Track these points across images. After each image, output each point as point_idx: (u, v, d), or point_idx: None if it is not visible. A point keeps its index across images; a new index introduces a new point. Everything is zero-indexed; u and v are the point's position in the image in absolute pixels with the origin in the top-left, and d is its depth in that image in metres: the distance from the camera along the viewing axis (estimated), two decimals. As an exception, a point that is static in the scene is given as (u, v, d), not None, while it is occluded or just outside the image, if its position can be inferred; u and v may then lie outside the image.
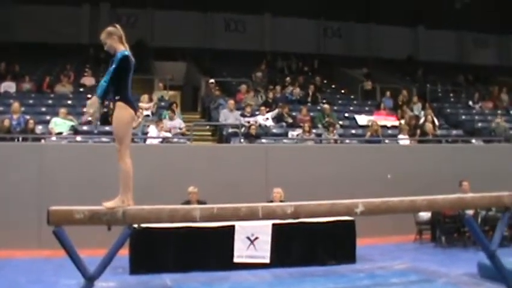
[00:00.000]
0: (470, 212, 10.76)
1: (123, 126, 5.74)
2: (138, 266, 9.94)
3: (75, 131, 14.79)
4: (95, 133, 14.96)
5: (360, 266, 10.61)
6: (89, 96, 17.61)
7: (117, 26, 5.95)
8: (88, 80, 19.20)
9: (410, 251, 12.40)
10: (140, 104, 16.01)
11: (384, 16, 26.98)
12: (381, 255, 11.63)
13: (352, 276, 9.67)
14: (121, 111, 5.69)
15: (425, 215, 13.20)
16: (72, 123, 14.90)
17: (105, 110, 15.53)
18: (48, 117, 15.27)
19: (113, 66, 5.71)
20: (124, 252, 8.54)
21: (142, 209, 5.88)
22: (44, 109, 16.58)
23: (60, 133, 14.49)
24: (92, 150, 13.46)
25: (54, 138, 14.33)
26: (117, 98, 5.71)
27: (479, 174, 13.68)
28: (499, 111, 20.31)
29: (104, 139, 14.39)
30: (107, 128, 14.99)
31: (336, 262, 10.65)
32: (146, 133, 14.85)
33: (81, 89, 18.79)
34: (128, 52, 5.80)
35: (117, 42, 5.83)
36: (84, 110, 5.03)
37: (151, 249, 10.07)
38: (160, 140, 14.63)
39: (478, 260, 9.22)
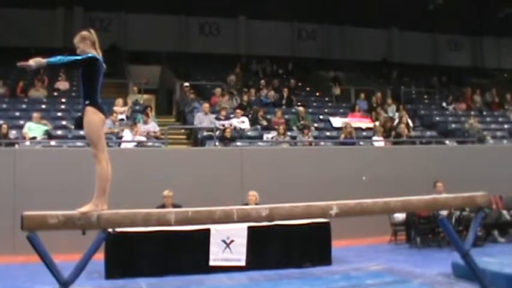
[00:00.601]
0: (444, 212, 10.86)
1: (95, 131, 5.69)
2: (113, 270, 9.88)
3: (49, 135, 14.68)
4: (69, 137, 14.88)
5: (335, 267, 10.64)
6: (63, 100, 17.56)
7: (92, 31, 5.91)
8: (62, 85, 19.05)
9: (385, 252, 12.48)
10: (115, 108, 15.95)
11: (358, 18, 27.11)
12: (356, 257, 11.69)
13: (328, 278, 9.70)
14: (91, 116, 5.64)
15: (400, 216, 13.29)
16: (46, 128, 14.78)
17: (79, 114, 15.46)
18: (22, 122, 15.15)
19: (79, 57, 5.70)
20: (99, 257, 8.50)
21: (117, 213, 5.86)
22: (17, 114, 16.43)
23: (34, 138, 14.37)
24: (66, 155, 13.37)
25: (28, 143, 14.21)
26: (86, 102, 5.67)
27: (453, 175, 13.83)
28: (472, 113, 20.56)
29: (78, 143, 14.31)
30: (81, 133, 14.89)
31: (312, 264, 10.68)
32: (121, 137, 14.78)
33: (56, 94, 18.64)
34: (98, 56, 5.76)
35: (89, 47, 5.78)
36: (29, 61, 4.89)
37: (127, 253, 10.03)
38: (135, 143, 14.57)
39: (452, 260, 9.30)
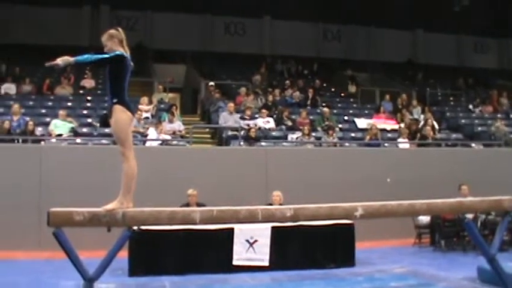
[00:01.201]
0: (469, 216, 10.77)
1: (123, 129, 5.75)
2: (137, 268, 9.95)
3: (75, 133, 14.81)
4: (94, 135, 14.98)
5: (359, 269, 10.60)
6: (89, 98, 17.69)
7: (120, 29, 5.97)
8: (88, 83, 19.21)
9: (409, 255, 12.40)
10: (140, 106, 16.02)
11: (383, 19, 26.98)
12: (380, 259, 11.63)
13: (351, 279, 9.67)
14: (119, 114, 5.70)
15: (424, 219, 13.21)
16: (72, 125, 14.90)
17: (105, 112, 15.56)
18: (48, 119, 15.28)
19: (107, 55, 5.75)
20: (123, 254, 8.54)
21: (142, 211, 5.89)
22: (44, 111, 16.58)
23: (60, 135, 14.49)
24: (91, 152, 13.48)
25: (54, 140, 14.34)
26: (114, 101, 5.72)
27: (479, 178, 13.70)
28: (499, 115, 20.32)
29: (103, 141, 14.40)
30: (107, 130, 14.99)
31: (335, 265, 10.64)
32: (146, 135, 14.85)
33: (81, 91, 18.79)
34: (126, 54, 5.81)
35: (117, 45, 5.84)
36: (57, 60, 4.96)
37: (151, 251, 10.08)
38: (159, 142, 14.63)
39: (477, 264, 9.20)
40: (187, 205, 10.94)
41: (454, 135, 18.35)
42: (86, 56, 5.61)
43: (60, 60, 5.50)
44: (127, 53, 5.87)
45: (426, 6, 26.48)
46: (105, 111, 15.21)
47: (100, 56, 5.69)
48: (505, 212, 7.39)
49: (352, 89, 22.33)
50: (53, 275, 9.85)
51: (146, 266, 9.97)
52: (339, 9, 26.44)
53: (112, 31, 5.92)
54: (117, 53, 5.75)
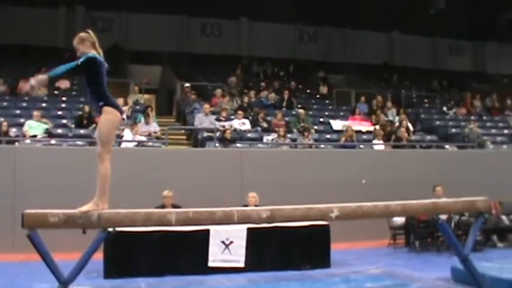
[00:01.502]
0: (443, 216, 10.87)
1: (109, 130, 5.72)
2: (112, 270, 9.88)
3: (49, 134, 14.68)
4: (69, 136, 14.89)
5: (334, 270, 10.63)
6: (64, 99, 17.54)
7: (90, 31, 5.87)
8: (63, 83, 18.87)
9: (384, 256, 12.48)
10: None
11: (359, 21, 27.10)
12: (355, 260, 11.68)
13: (327, 280, 9.70)
14: (109, 115, 5.66)
15: (399, 220, 13.31)
16: (46, 126, 14.78)
17: (80, 113, 15.47)
18: (22, 120, 15.16)
19: (78, 62, 5.64)
20: (98, 256, 8.49)
21: (118, 212, 5.86)
22: (18, 112, 16.43)
23: (35, 136, 14.37)
24: (66, 154, 13.39)
25: (28, 141, 14.22)
26: (100, 104, 5.68)
27: (453, 179, 13.82)
28: (472, 117, 20.53)
29: (78, 142, 14.33)
30: (82, 131, 14.93)
31: (311, 267, 10.66)
32: (121, 137, 14.77)
33: (56, 92, 18.61)
34: (97, 56, 5.73)
35: (89, 48, 5.75)
36: (30, 81, 4.88)
37: (126, 253, 10.03)
38: (135, 143, 14.56)
39: (451, 265, 9.29)
40: (163, 207, 10.89)
41: (428, 137, 18.52)
42: (58, 68, 5.52)
43: (33, 81, 5.43)
44: (100, 55, 5.78)
45: (402, 8, 26.65)
46: (80, 112, 15.16)
47: (72, 64, 5.58)
48: (479, 212, 7.47)
49: (324, 90, 22.40)
50: (27, 277, 9.76)
51: (121, 268, 9.91)
52: (315, 10, 26.51)
53: (83, 34, 5.83)
54: (89, 55, 5.66)
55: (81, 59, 5.64)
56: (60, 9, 24.58)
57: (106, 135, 5.68)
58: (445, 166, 15.09)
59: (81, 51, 5.74)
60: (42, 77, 5.45)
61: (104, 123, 5.67)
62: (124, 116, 6.06)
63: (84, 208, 5.61)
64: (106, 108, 5.66)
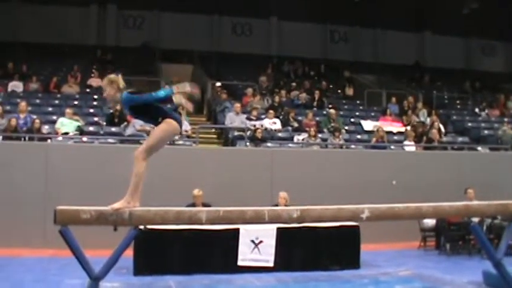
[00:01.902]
0: (475, 219, 10.74)
1: (163, 138, 5.98)
2: (142, 267, 9.97)
3: (81, 131, 14.81)
4: (101, 134, 14.99)
5: (364, 271, 10.60)
6: (95, 97, 17.69)
7: (119, 75, 5.96)
8: (95, 81, 19.22)
9: (414, 258, 12.40)
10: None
11: (390, 21, 26.94)
12: (385, 262, 11.63)
13: (356, 282, 9.67)
14: (169, 126, 5.85)
15: (430, 222, 13.20)
16: (78, 124, 14.91)
17: (111, 111, 15.59)
18: (54, 117, 15.30)
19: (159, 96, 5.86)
20: (128, 253, 8.55)
21: (149, 210, 5.89)
22: (50, 109, 16.61)
23: (67, 133, 14.51)
24: (97, 151, 13.52)
25: (60, 138, 14.35)
26: (159, 120, 5.86)
27: (485, 181, 13.67)
28: (506, 119, 20.25)
29: (110, 140, 14.42)
30: (113, 129, 15.03)
31: (340, 267, 10.64)
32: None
33: (88, 90, 18.83)
34: (126, 93, 5.84)
35: (116, 91, 5.87)
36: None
37: (156, 250, 10.09)
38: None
39: (483, 268, 9.19)
40: (193, 205, 10.94)
41: (460, 139, 18.31)
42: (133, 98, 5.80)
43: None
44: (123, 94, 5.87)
45: (434, 8, 26.43)
46: (111, 110, 15.27)
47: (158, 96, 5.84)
48: (512, 216, 7.38)
49: (350, 91, 22.24)
50: (58, 272, 9.89)
51: (151, 266, 9.99)
52: (346, 10, 26.42)
53: (112, 76, 5.92)
54: (124, 97, 5.82)
55: (127, 104, 5.84)
56: (91, 8, 24.80)
57: (157, 142, 5.90)
58: (477, 168, 14.92)
59: (108, 93, 5.90)
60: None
61: (161, 130, 5.87)
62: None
63: (116, 205, 5.66)
64: (167, 120, 5.84)
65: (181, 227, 8.98)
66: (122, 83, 5.87)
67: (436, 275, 10.14)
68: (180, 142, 14.98)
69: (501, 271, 7.11)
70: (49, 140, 14.20)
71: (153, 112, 5.88)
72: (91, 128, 15.28)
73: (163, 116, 5.84)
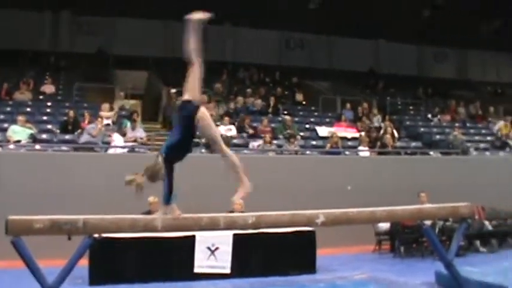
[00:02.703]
0: (428, 222, 10.93)
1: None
2: (98, 276, 9.85)
3: (34, 139, 14.58)
4: (54, 141, 14.79)
5: (320, 276, 10.68)
6: (49, 104, 17.44)
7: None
8: (48, 88, 18.95)
9: (369, 261, 12.53)
10: (101, 113, 15.89)
11: (345, 28, 27.19)
12: (341, 266, 11.72)
13: (313, 286, 9.74)
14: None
15: (384, 226, 13.37)
16: (31, 131, 14.67)
17: (65, 118, 15.41)
18: (6, 125, 15.02)
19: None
20: (84, 263, 8.46)
21: (103, 218, 5.85)
22: (2, 116, 16.26)
23: (19, 141, 14.26)
24: (51, 159, 13.30)
25: (12, 146, 14.10)
26: None
27: (437, 185, 13.91)
28: (457, 124, 20.68)
29: (63, 147, 14.23)
30: (67, 137, 14.86)
31: (297, 272, 10.69)
32: (108, 142, 14.72)
33: (41, 97, 18.53)
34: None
35: None
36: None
37: (112, 259, 10.00)
38: (123, 149, 14.51)
39: (435, 270, 9.38)
40: (149, 213, 10.84)
41: (413, 144, 18.61)
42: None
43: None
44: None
45: (388, 16, 26.78)
46: (65, 118, 15.08)
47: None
48: (462, 218, 7.55)
49: (300, 97, 22.41)
50: (10, 284, 9.70)
51: (107, 275, 9.88)
52: (302, 17, 26.56)
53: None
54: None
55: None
56: (45, 13, 24.35)
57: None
58: (430, 172, 15.19)
59: None
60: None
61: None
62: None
63: (238, 196, 6.29)
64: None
65: (137, 235, 8.95)
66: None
67: (390, 277, 10.28)
68: (136, 149, 14.86)
69: (452, 271, 7.27)
70: (0, 149, 13.94)
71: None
72: (44, 136, 15.06)
73: None
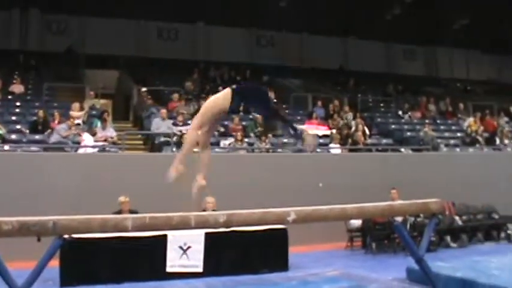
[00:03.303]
0: (399, 218, 11.02)
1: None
2: (69, 278, 9.76)
3: (3, 139, 14.40)
4: (24, 141, 14.63)
5: (292, 273, 10.71)
6: (18, 104, 17.23)
7: None
8: (17, 88, 18.71)
9: (341, 258, 12.60)
10: (71, 113, 15.75)
11: (316, 26, 27.30)
12: (313, 263, 11.76)
13: (285, 284, 9.75)
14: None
15: (356, 223, 13.44)
16: (0, 132, 14.50)
17: (35, 118, 15.26)
18: (-26, 126, 14.83)
19: None
20: (55, 264, 8.38)
21: (73, 219, 5.79)
22: (-30, 117, 16.10)
23: (-12, 142, 14.10)
24: (20, 159, 13.15)
25: (-20, 147, 13.93)
26: None
27: (408, 181, 14.04)
28: (427, 121, 20.89)
29: (33, 148, 14.07)
30: (37, 137, 14.72)
31: (269, 270, 10.72)
32: (78, 142, 14.59)
33: (10, 97, 18.28)
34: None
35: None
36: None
37: (83, 260, 9.92)
38: (94, 148, 14.40)
39: (407, 265, 9.46)
40: (120, 212, 10.81)
41: (384, 141, 18.75)
42: None
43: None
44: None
45: (358, 14, 26.94)
46: (34, 118, 14.92)
47: None
48: (432, 214, 7.61)
49: (271, 95, 22.40)
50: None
51: (78, 276, 9.79)
52: (272, 15, 26.60)
53: None
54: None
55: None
56: (13, 12, 24.05)
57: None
58: (401, 169, 15.31)
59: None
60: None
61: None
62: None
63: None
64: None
65: (108, 235, 8.87)
66: None
67: (362, 273, 10.34)
68: (107, 149, 14.76)
69: (423, 267, 7.33)
70: (-31, 149, 13.77)
71: None
72: (13, 136, 14.88)
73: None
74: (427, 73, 30.80)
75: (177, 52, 25.83)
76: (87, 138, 14.47)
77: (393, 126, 20.56)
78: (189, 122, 16.36)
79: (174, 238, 10.32)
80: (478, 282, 8.07)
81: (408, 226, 12.83)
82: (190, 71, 22.72)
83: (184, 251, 10.40)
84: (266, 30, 28.12)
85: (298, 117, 19.79)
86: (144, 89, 19.35)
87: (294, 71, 26.30)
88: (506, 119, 22.99)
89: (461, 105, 23.07)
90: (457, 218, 14.29)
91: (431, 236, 7.98)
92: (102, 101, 21.00)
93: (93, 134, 14.63)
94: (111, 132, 15.39)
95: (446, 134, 20.49)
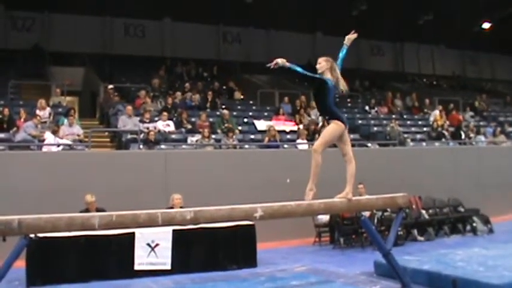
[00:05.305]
0: (366, 213, 11.11)
1: (333, 135, 7.44)
2: (35, 278, 9.65)
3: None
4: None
5: (260, 269, 10.73)
6: None
7: (330, 59, 7.46)
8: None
9: (310, 254, 12.66)
10: (37, 111, 15.57)
11: (283, 22, 27.37)
12: (281, 259, 11.80)
13: (253, 280, 9.75)
14: (336, 125, 7.32)
15: (324, 218, 13.51)
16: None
17: (0, 116, 15.05)
18: None
19: (316, 75, 7.24)
20: (21, 264, 8.30)
21: (39, 218, 5.73)
22: None
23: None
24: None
25: None
26: (327, 117, 7.36)
27: (376, 176, 14.11)
28: (394, 116, 21.11)
29: (-1, 147, 13.89)
30: (2, 135, 14.52)
31: (237, 267, 10.75)
32: (42, 140, 14.42)
33: (-26, 95, 18.04)
34: (330, 81, 7.21)
35: (328, 70, 7.28)
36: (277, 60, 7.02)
37: (50, 260, 9.82)
38: (58, 147, 14.25)
39: (374, 259, 9.55)
40: (87, 211, 10.73)
41: (351, 136, 18.73)
42: (298, 67, 7.13)
43: (279, 60, 7.08)
44: (333, 79, 7.30)
45: (325, 10, 27.06)
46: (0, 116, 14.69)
47: (309, 74, 7.19)
48: (399, 208, 7.71)
49: (238, 95, 22.42)
50: None
51: (45, 276, 9.69)
52: (239, 11, 26.61)
53: (330, 59, 7.44)
54: (326, 79, 7.20)
55: (319, 76, 7.21)
56: (-23, 8, 23.78)
57: (329, 138, 7.41)
58: (368, 164, 15.35)
59: (322, 65, 7.31)
60: (285, 62, 7.11)
61: (332, 129, 7.33)
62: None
63: (341, 195, 7.41)
64: (333, 121, 7.26)
65: (74, 234, 8.81)
66: (332, 66, 7.36)
67: (330, 268, 10.39)
68: (73, 146, 14.63)
69: (390, 260, 7.42)
70: None
71: (324, 106, 7.33)
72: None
73: (330, 116, 7.29)
74: (394, 68, 31.10)
75: (144, 49, 25.71)
76: (49, 137, 14.26)
77: (360, 122, 20.69)
78: (156, 119, 16.35)
79: (142, 236, 10.28)
80: (444, 274, 8.18)
81: (375, 221, 12.96)
82: (157, 67, 22.65)
83: (152, 249, 10.36)
84: (233, 27, 28.12)
85: (265, 114, 19.84)
86: (110, 86, 19.19)
87: (261, 67, 26.27)
88: (471, 113, 23.36)
89: (427, 100, 23.34)
90: (423, 211, 14.45)
91: (398, 230, 8.08)
92: (69, 98, 20.81)
93: (54, 132, 14.38)
94: (77, 130, 15.24)
95: (413, 129, 20.71)
